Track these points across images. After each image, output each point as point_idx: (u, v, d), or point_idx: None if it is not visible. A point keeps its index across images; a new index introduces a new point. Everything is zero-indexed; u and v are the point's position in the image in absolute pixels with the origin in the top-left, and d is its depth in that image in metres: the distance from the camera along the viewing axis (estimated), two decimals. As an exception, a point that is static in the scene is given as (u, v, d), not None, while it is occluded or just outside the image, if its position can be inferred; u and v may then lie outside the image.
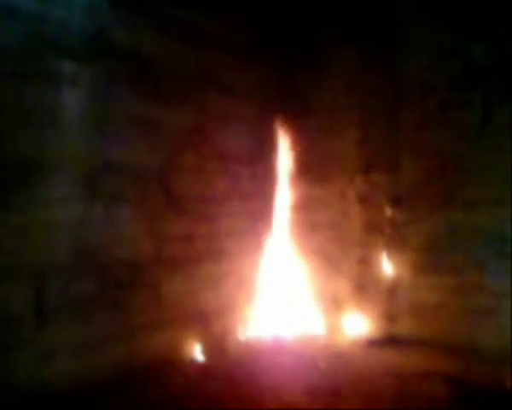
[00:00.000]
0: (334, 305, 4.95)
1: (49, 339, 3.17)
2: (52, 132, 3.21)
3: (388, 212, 4.79)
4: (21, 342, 3.06)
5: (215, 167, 4.42)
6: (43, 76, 3.17)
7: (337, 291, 4.95)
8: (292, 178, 5.19)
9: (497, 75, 4.21)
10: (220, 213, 4.47)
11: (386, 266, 4.76)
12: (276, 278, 5.07)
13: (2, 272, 2.98)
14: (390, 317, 4.68)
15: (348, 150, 4.96)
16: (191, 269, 4.17)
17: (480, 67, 4.28)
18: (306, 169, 5.14)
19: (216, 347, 4.30)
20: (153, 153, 3.86)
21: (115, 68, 3.59)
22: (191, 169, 4.18)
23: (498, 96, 4.22)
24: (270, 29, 4.96)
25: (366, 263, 4.84)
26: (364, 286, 4.83)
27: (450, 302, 4.37)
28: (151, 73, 3.85)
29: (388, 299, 4.71)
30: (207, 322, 4.31)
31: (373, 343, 4.55)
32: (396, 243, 4.72)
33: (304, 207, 5.16)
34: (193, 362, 4.08)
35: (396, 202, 4.75)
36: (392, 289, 4.70)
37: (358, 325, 4.80)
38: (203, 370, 3.91)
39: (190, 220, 4.17)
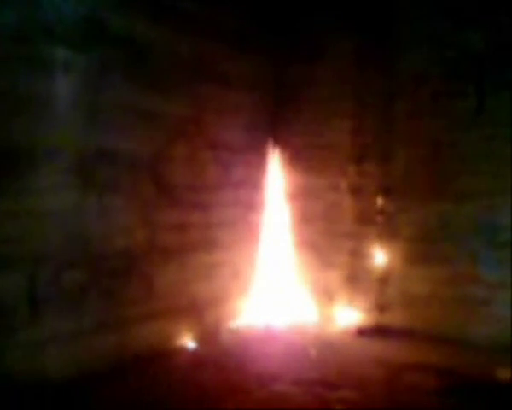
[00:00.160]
0: (325, 295, 4.97)
1: (41, 328, 3.16)
2: (45, 120, 3.17)
3: (380, 202, 4.80)
4: (13, 331, 3.05)
5: (208, 157, 4.41)
6: (37, 62, 3.14)
7: (329, 282, 4.96)
8: (284, 168, 5.18)
9: (492, 64, 4.22)
10: (213, 203, 4.47)
11: (378, 257, 4.77)
12: (268, 267, 5.08)
13: (-5, 260, 2.96)
14: (381, 307, 4.70)
15: (341, 141, 4.96)
16: (184, 259, 4.17)
17: (475, 56, 4.29)
18: (299, 159, 5.13)
19: (208, 336, 4.31)
20: (146, 142, 3.84)
21: (109, 56, 3.56)
22: (184, 158, 4.17)
23: (492, 86, 4.22)
24: (265, 20, 4.95)
25: (358, 254, 4.86)
26: (356, 277, 4.85)
27: (441, 293, 4.40)
28: (145, 62, 3.83)
29: (380, 289, 4.74)
30: (200, 311, 4.32)
31: (364, 334, 4.58)
32: (388, 233, 4.74)
33: (296, 198, 5.16)
34: (185, 351, 4.08)
35: (388, 192, 4.76)
36: (384, 280, 4.72)
37: (350, 315, 4.82)
38: (195, 359, 3.91)
39: (183, 210, 4.17)
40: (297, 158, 5.15)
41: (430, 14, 4.50)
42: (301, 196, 5.13)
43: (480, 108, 4.27)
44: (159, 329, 3.93)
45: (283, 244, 5.16)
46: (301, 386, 3.42)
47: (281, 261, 5.13)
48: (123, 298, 3.67)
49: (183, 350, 4.08)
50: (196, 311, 4.28)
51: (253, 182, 5.01)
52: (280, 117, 5.17)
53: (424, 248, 4.52)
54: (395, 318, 4.61)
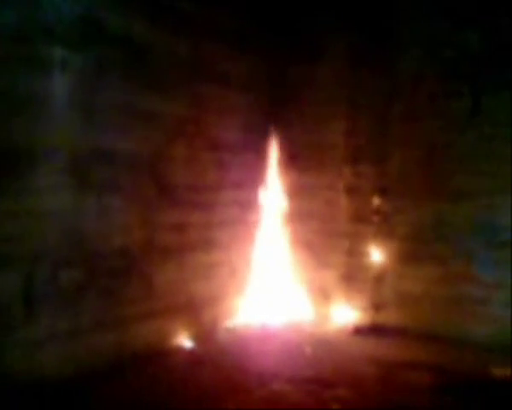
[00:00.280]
0: (321, 294, 5.00)
1: (39, 327, 3.16)
2: (43, 120, 3.17)
3: (376, 202, 4.82)
4: (11, 329, 3.05)
5: (207, 157, 4.41)
6: (36, 62, 3.13)
7: (324, 281, 4.99)
8: (281, 168, 5.20)
9: (490, 65, 4.24)
10: (212, 203, 4.48)
11: (374, 256, 4.80)
12: (265, 266, 5.10)
13: (-8, 259, 2.97)
14: (376, 306, 4.73)
15: (337, 141, 4.99)
16: (182, 258, 4.18)
17: (472, 57, 4.31)
18: (296, 159, 5.14)
19: (206, 335, 4.32)
20: (145, 142, 3.84)
21: (107, 55, 3.55)
22: (183, 158, 4.17)
23: (489, 86, 4.25)
24: (264, 20, 4.96)
25: (353, 253, 4.89)
26: (352, 276, 4.88)
27: (437, 292, 4.44)
28: (144, 62, 3.82)
29: (375, 288, 4.76)
30: (198, 310, 4.33)
31: (359, 332, 4.61)
32: (383, 233, 4.76)
33: (293, 197, 5.17)
34: (183, 350, 4.09)
35: (383, 192, 4.78)
36: (380, 279, 4.75)
37: (345, 313, 4.85)
38: (193, 357, 3.92)
39: (182, 209, 4.17)
40: (294, 158, 5.16)
41: (428, 15, 4.52)
42: (298, 196, 5.15)
43: (475, 108, 4.29)
44: (157, 328, 3.94)
45: (280, 243, 5.18)
46: (297, 384, 3.44)
47: (277, 260, 5.15)
48: (121, 297, 3.67)
49: (180, 349, 4.09)
50: (194, 310, 4.29)
51: (251, 182, 5.02)
52: (278, 117, 5.18)
53: (420, 247, 4.55)
54: (391, 316, 4.64)
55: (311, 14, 5.01)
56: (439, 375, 3.59)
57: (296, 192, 5.15)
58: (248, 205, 4.97)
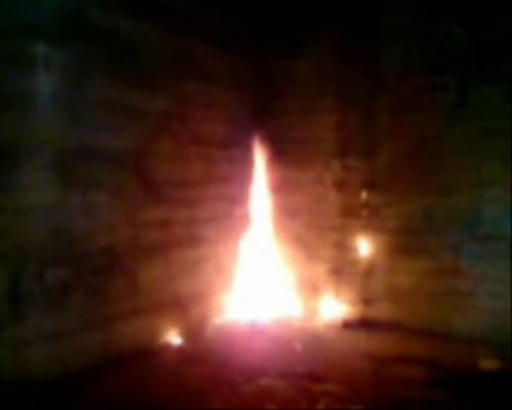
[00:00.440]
0: (311, 289, 4.99)
1: (25, 326, 3.14)
2: (28, 117, 3.15)
3: (365, 196, 4.82)
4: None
5: (193, 153, 4.39)
6: (18, 59, 3.10)
7: (314, 275, 4.98)
8: (269, 162, 5.18)
9: (473, 59, 4.24)
10: (198, 198, 4.45)
11: (363, 250, 4.79)
12: (254, 262, 5.08)
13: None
14: (366, 300, 4.73)
15: (324, 135, 4.97)
16: (169, 255, 4.16)
17: (457, 51, 4.30)
18: (283, 154, 5.13)
19: (193, 332, 4.30)
20: (130, 138, 3.82)
21: (92, 52, 3.52)
22: (169, 155, 4.15)
23: (474, 80, 4.25)
24: (249, 16, 4.94)
25: (343, 247, 4.88)
26: (341, 270, 4.88)
27: (426, 285, 4.44)
28: (129, 58, 3.80)
29: (364, 282, 4.76)
30: (185, 307, 4.31)
31: (349, 326, 4.60)
32: (372, 227, 4.76)
33: (281, 192, 5.16)
34: (170, 347, 4.07)
35: (373, 186, 4.78)
36: (369, 273, 4.75)
37: (335, 308, 4.84)
38: (180, 355, 3.91)
39: (168, 206, 4.15)
40: (282, 153, 5.15)
41: (413, 9, 4.50)
42: (286, 190, 5.14)
43: (461, 101, 4.30)
44: (144, 325, 3.92)
45: (268, 238, 5.17)
46: (287, 380, 3.43)
47: (266, 255, 5.14)
48: (107, 295, 3.65)
49: (168, 346, 4.08)
50: (181, 307, 4.27)
51: (238, 177, 5.00)
52: (264, 112, 5.16)
53: (408, 240, 4.55)
54: (380, 310, 4.65)
55: (295, 9, 4.98)
56: (430, 368, 3.59)
57: (284, 187, 5.14)
58: (235, 200, 4.95)
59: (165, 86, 4.07)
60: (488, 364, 3.65)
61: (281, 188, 5.16)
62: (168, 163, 4.15)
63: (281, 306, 5.00)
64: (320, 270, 4.95)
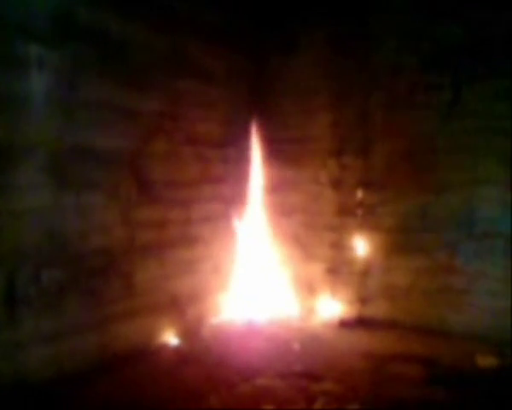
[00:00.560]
0: (307, 288, 4.99)
1: (20, 328, 3.12)
2: (22, 118, 3.13)
3: (361, 195, 4.81)
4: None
5: (187, 152, 4.38)
6: (11, 60, 3.08)
7: (310, 274, 4.99)
8: (264, 161, 5.18)
9: (467, 56, 4.24)
10: (193, 198, 4.45)
11: (359, 249, 4.79)
12: (250, 261, 5.07)
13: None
14: (363, 299, 4.73)
15: (320, 134, 4.97)
16: (165, 255, 4.15)
17: (451, 48, 4.30)
18: (279, 153, 5.13)
19: (190, 332, 4.30)
20: (124, 139, 3.80)
21: (85, 52, 3.50)
22: (163, 154, 4.14)
23: (468, 77, 4.25)
24: (242, 14, 4.92)
25: (339, 246, 4.88)
26: (337, 269, 4.88)
27: (422, 284, 4.44)
28: (122, 58, 3.77)
29: (361, 281, 4.76)
30: (181, 308, 4.30)
31: (346, 325, 4.60)
32: (369, 225, 4.75)
33: (277, 191, 5.16)
34: (167, 348, 4.06)
35: (368, 185, 4.77)
36: (365, 272, 4.75)
37: (332, 307, 4.84)
38: (177, 355, 3.89)
39: (163, 206, 4.14)
40: (277, 152, 5.14)
41: (407, 5, 4.50)
42: (282, 190, 5.14)
43: (456, 99, 4.30)
44: (140, 326, 3.91)
45: (264, 238, 5.16)
46: (285, 379, 3.43)
47: (262, 255, 5.13)
48: (103, 296, 3.64)
49: (165, 347, 4.06)
50: (177, 307, 4.26)
51: (233, 177, 4.99)
52: (259, 111, 5.16)
53: (405, 239, 4.55)
54: (377, 309, 4.65)
55: (289, 6, 4.98)
56: (428, 366, 3.59)
57: (280, 186, 5.14)
58: (231, 200, 4.94)
59: (159, 85, 4.06)
60: (486, 362, 3.65)
61: (277, 187, 5.15)
62: (163, 163, 4.13)
63: (277, 305, 4.99)
64: (316, 269, 4.96)
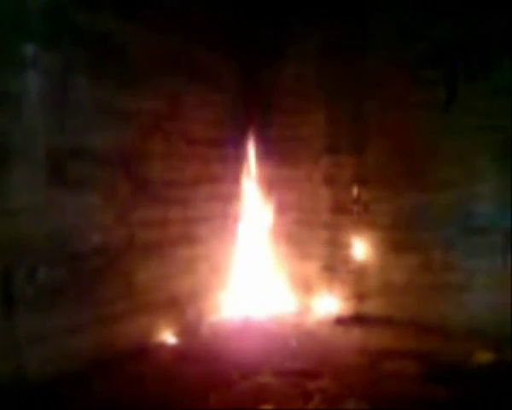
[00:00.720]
0: (303, 285, 5.00)
1: (17, 328, 3.11)
2: (18, 118, 3.13)
3: (356, 192, 4.82)
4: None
5: (184, 152, 4.38)
6: (7, 60, 3.08)
7: (307, 272, 5.00)
8: (260, 160, 5.18)
9: (463, 54, 4.25)
10: (191, 198, 4.45)
11: (355, 247, 4.81)
12: (247, 260, 5.08)
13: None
14: (359, 296, 4.75)
15: (315, 132, 4.98)
16: (163, 254, 4.15)
17: (446, 46, 4.31)
18: (274, 152, 5.14)
19: (189, 330, 4.30)
20: (122, 138, 3.79)
21: (81, 52, 3.49)
22: (161, 154, 4.13)
23: (464, 75, 4.26)
24: (238, 16, 4.94)
25: (335, 243, 4.89)
26: (333, 266, 4.89)
27: (419, 280, 4.45)
28: (119, 58, 3.76)
29: (357, 278, 4.78)
30: (180, 306, 4.31)
31: (343, 323, 4.61)
32: (364, 223, 4.77)
33: (272, 189, 5.16)
34: (166, 346, 4.06)
35: (363, 182, 4.78)
36: (361, 269, 4.76)
37: (328, 304, 4.86)
38: (176, 354, 3.90)
39: (161, 205, 4.14)
40: (272, 150, 5.15)
41: (402, 5, 4.51)
42: (278, 188, 5.14)
43: (452, 97, 4.31)
44: (139, 325, 3.91)
45: (261, 236, 5.17)
46: (281, 376, 3.43)
47: (259, 253, 5.15)
48: (102, 296, 3.63)
49: (164, 346, 4.07)
50: (176, 306, 4.27)
51: (231, 176, 5.00)
52: (255, 111, 5.16)
53: (400, 236, 4.56)
54: (373, 306, 4.66)
55: (283, 9, 5.00)
56: (425, 363, 3.59)
57: (276, 184, 5.15)
58: (228, 199, 4.95)
59: (156, 86, 4.05)
60: (484, 358, 3.67)
61: (273, 185, 5.16)
62: (161, 163, 4.13)
63: (275, 303, 5.00)
64: (313, 266, 4.97)
